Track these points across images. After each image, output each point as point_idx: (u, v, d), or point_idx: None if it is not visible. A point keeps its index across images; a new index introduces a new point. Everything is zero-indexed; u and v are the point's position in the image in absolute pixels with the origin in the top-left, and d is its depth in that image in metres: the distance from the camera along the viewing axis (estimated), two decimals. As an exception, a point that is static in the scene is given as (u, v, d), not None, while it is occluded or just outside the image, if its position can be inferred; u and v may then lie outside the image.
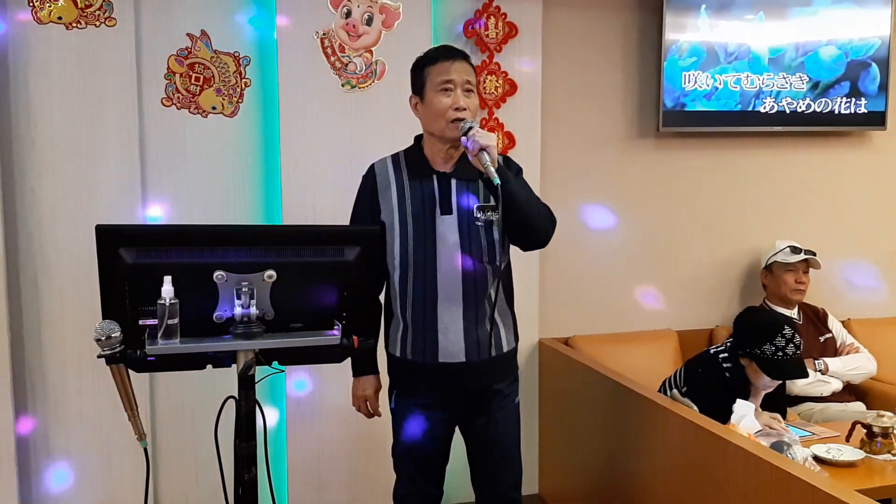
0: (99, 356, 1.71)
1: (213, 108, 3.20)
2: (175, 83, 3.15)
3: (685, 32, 3.68)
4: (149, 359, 1.73)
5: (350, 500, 3.40)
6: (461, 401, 2.38)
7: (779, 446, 2.44)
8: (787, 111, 3.85)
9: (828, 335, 3.70)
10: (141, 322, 1.76)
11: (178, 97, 3.16)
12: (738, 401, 2.68)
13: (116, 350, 1.72)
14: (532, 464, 3.68)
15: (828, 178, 4.07)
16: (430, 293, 2.30)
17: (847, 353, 3.66)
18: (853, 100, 3.94)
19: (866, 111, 3.95)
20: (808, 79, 3.87)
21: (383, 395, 2.52)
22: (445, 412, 2.39)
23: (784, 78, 3.83)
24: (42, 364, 3.11)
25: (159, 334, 1.71)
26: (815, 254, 3.70)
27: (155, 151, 3.16)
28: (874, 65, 3.95)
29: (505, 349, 2.40)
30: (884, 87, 3.95)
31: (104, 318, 1.75)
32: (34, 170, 3.03)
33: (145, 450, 1.88)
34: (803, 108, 3.87)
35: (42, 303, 3.09)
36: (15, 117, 3.00)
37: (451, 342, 2.31)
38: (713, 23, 3.71)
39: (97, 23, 3.02)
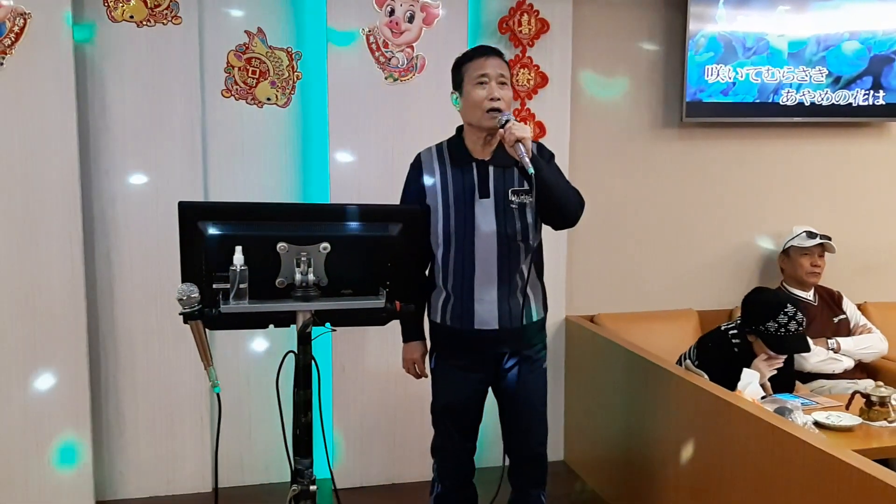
0: (180, 313, 1.99)
1: (268, 99, 3.49)
2: (234, 76, 3.45)
3: (709, 27, 3.86)
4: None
5: (390, 458, 3.69)
6: (494, 364, 2.63)
7: (781, 411, 2.67)
8: (807, 103, 4.01)
9: (842, 316, 3.88)
10: (215, 286, 2.02)
11: (237, 89, 3.46)
12: (745, 370, 2.91)
13: (195, 309, 1.99)
14: (558, 433, 3.94)
15: (845, 166, 4.25)
16: (469, 268, 2.55)
17: (860, 334, 3.84)
18: (872, 92, 4.08)
19: (885, 103, 4.10)
20: (828, 72, 4.02)
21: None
22: (479, 373, 2.64)
23: (804, 71, 3.99)
24: (114, 332, 3.45)
25: (231, 296, 1.98)
26: (830, 239, 3.88)
27: (215, 138, 3.47)
28: (898, 59, 4.08)
29: (534, 318, 2.64)
30: (906, 80, 4.08)
31: (183, 281, 2.02)
32: (108, 154, 3.36)
33: (218, 395, 2.16)
34: (822, 100, 4.03)
35: (114, 276, 3.42)
36: (92, 106, 3.33)
37: (486, 311, 2.56)
38: (732, 17, 3.87)
39: (165, 21, 3.32)
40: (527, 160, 2.30)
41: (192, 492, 3.55)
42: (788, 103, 4.00)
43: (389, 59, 3.50)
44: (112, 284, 3.42)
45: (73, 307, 3.28)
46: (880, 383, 2.86)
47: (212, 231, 2.03)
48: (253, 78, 3.46)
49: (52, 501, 3.33)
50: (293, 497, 2.10)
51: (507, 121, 2.39)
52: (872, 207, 4.31)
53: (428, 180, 2.59)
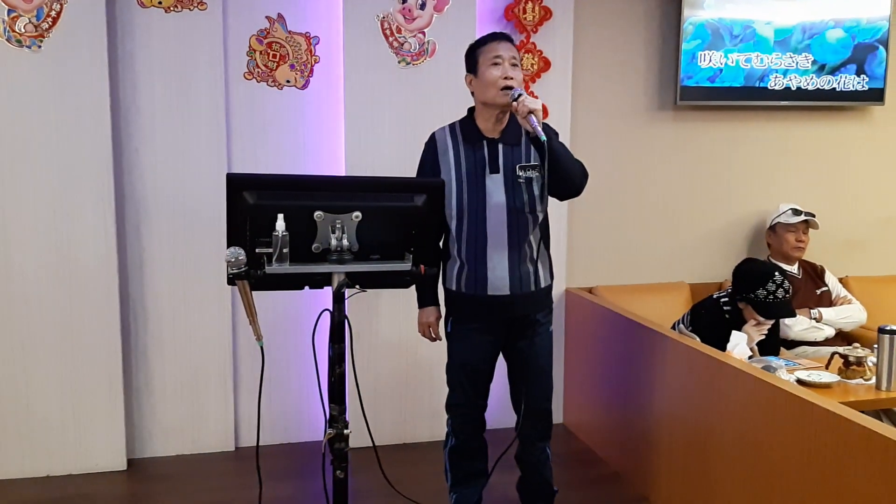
0: (229, 274, 2.19)
1: (287, 81, 3.70)
2: (255, 60, 3.65)
3: (697, 14, 4.06)
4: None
5: (401, 420, 3.92)
6: (505, 327, 2.85)
7: (767, 369, 2.91)
8: (793, 88, 4.24)
9: (824, 288, 4.13)
10: (258, 250, 2.24)
11: (258, 72, 3.66)
12: (734, 332, 3.15)
13: (242, 270, 2.20)
14: (558, 396, 4.13)
15: (829, 148, 4.49)
16: (481, 238, 2.76)
17: (840, 305, 4.09)
18: (855, 78, 4.31)
19: (867, 88, 4.33)
20: (813, 59, 4.23)
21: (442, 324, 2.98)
22: (492, 335, 2.86)
23: (791, 58, 4.21)
24: (143, 301, 3.66)
25: (274, 259, 2.19)
26: (814, 215, 4.13)
27: (238, 118, 3.68)
28: (881, 48, 4.27)
29: (542, 285, 2.86)
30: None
31: (229, 246, 2.23)
32: (138, 132, 3.56)
33: (262, 348, 2.38)
34: (808, 84, 4.26)
35: (143, 247, 3.63)
36: (123, 88, 3.52)
37: (498, 278, 2.77)
38: (721, 4, 4.07)
39: (191, 7, 3.52)
40: (539, 129, 2.52)
41: (217, 450, 3.78)
42: (776, 88, 4.22)
43: (402, 44, 3.71)
44: (142, 255, 3.63)
45: (106, 276, 3.49)
46: (857, 344, 3.11)
47: (256, 200, 2.23)
48: (273, 61, 3.67)
49: (87, 459, 3.56)
50: (329, 440, 2.33)
51: (519, 94, 2.60)
52: (855, 186, 4.55)
53: (442, 157, 2.80)
